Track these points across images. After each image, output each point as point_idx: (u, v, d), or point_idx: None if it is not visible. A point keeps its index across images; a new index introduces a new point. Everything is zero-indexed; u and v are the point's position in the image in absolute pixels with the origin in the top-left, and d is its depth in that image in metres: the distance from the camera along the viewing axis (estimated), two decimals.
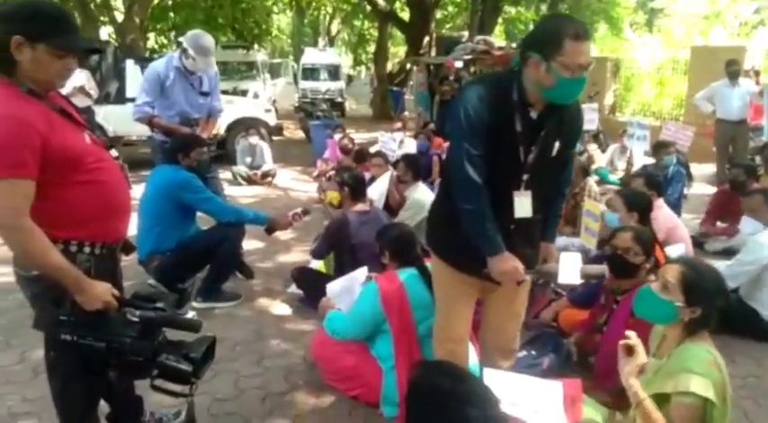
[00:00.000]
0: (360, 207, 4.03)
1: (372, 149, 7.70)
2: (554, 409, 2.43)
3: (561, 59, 2.01)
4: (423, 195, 4.96)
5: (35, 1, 1.80)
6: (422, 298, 2.81)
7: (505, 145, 2.19)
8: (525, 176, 2.27)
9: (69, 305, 1.89)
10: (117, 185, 2.05)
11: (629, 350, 2.01)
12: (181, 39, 4.37)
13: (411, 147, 8.28)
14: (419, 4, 14.42)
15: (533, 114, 2.20)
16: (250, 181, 8.69)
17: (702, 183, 8.50)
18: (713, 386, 1.92)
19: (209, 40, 4.28)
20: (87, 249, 1.99)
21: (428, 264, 2.84)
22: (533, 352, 2.97)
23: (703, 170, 8.82)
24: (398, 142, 7.90)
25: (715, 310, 2.05)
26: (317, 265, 5.03)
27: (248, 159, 9.01)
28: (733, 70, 7.53)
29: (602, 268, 2.28)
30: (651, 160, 6.77)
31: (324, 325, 3.09)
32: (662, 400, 2.00)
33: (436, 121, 10.76)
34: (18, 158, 1.70)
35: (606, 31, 16.54)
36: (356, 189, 4.07)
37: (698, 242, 5.24)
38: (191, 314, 3.68)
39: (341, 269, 3.90)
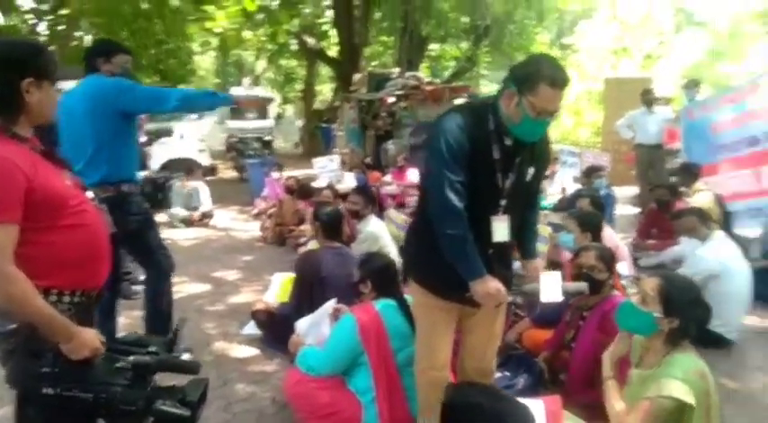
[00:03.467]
0: (333, 243, 4.00)
1: (315, 184, 7.71)
2: None
3: (532, 100, 2.13)
4: (376, 227, 5.00)
5: (21, 40, 1.75)
6: (399, 327, 2.83)
7: (484, 172, 2.28)
8: (503, 202, 2.36)
9: (51, 357, 1.79)
10: (99, 228, 1.97)
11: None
12: None
13: (350, 181, 8.36)
14: (349, 43, 14.71)
15: (508, 142, 2.29)
16: (188, 223, 8.45)
17: (625, 204, 9.01)
18: (694, 392, 2.04)
19: None
20: (67, 298, 1.89)
21: (407, 295, 2.88)
22: (507, 373, 3.04)
23: (623, 193, 9.37)
24: (337, 168, 7.97)
25: (693, 320, 2.18)
26: (273, 297, 4.97)
27: (184, 202, 8.79)
28: (648, 99, 8.13)
29: (582, 285, 2.39)
30: (579, 185, 7.16)
31: (297, 362, 3.03)
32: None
33: (371, 156, 10.92)
34: (6, 202, 1.63)
35: None
36: (331, 226, 4.04)
37: (632, 259, 5.55)
38: (185, 356, 3.51)
39: (303, 303, 3.85)
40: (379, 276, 2.97)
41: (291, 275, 5.56)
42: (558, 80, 2.14)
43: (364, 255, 3.30)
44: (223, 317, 4.73)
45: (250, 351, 4.04)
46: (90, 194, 2.03)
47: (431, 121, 11.35)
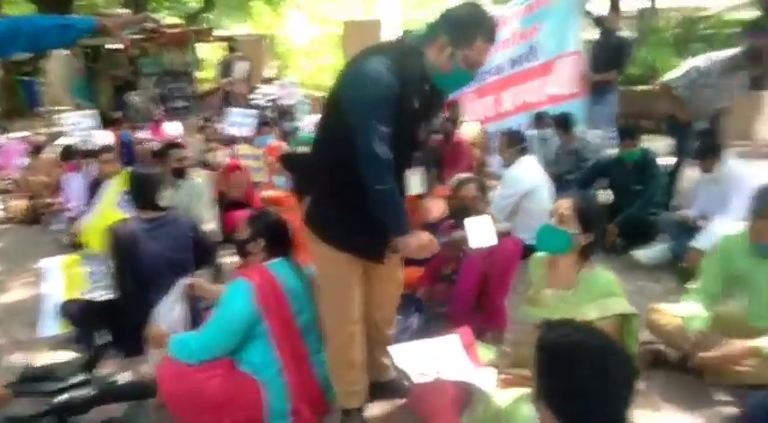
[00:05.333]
0: (150, 213, 3.27)
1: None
2: (461, 360, 2.52)
3: (468, 53, 2.05)
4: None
5: None
6: (296, 288, 2.52)
7: (406, 121, 2.12)
8: (418, 154, 2.29)
9: None
10: None
11: None
12: None
13: (105, 138, 7.18)
14: None
15: (427, 90, 2.16)
16: None
17: None
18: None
19: None
20: None
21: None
22: (399, 317, 2.96)
23: None
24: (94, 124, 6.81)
25: (602, 233, 2.35)
26: (59, 290, 4.08)
27: None
28: None
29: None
30: None
31: (172, 353, 2.51)
32: None
33: (123, 110, 9.57)
34: None
35: (263, 7, 16.82)
36: (141, 192, 3.30)
37: None
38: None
39: (127, 286, 3.22)
40: (273, 233, 2.60)
41: (69, 257, 4.66)
42: (493, 35, 2.10)
43: (253, 213, 2.84)
44: (0, 322, 3.72)
45: (65, 355, 3.23)
46: None
47: (176, 67, 10.40)
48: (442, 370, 2.39)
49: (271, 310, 2.44)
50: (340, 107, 2.11)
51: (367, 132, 1.99)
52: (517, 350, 2.56)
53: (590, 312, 2.22)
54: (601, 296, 2.22)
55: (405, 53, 2.11)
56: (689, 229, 4.05)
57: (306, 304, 2.54)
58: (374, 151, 1.98)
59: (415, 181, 2.28)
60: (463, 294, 2.97)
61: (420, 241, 2.12)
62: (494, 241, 2.23)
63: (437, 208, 2.46)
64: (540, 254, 2.52)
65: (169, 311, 2.80)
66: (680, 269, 3.89)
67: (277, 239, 2.60)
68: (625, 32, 6.45)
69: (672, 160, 5.13)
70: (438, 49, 2.06)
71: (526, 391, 2.17)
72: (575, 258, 2.32)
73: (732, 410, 2.44)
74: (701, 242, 3.66)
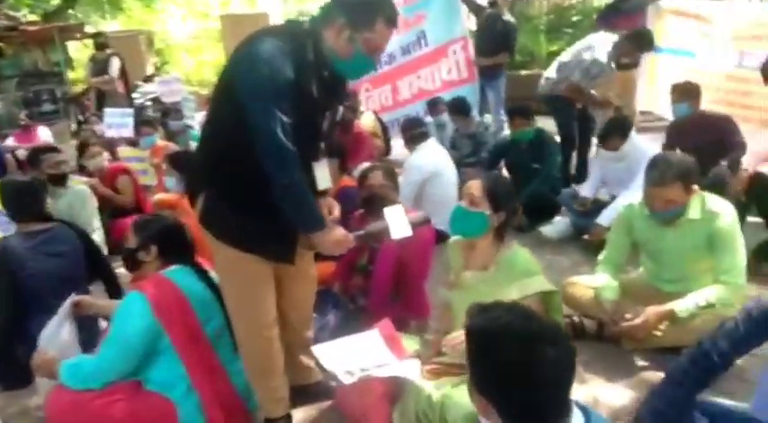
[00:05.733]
0: (33, 226, 2.92)
1: None
2: (384, 354, 2.42)
3: (369, 36, 1.93)
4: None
5: None
6: (201, 295, 2.31)
7: (305, 110, 1.97)
8: (322, 145, 2.15)
9: None
10: None
11: None
12: None
13: None
14: None
15: (326, 75, 2.02)
16: None
17: None
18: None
19: None
20: None
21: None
22: (316, 315, 2.81)
23: None
24: None
25: (513, 211, 2.31)
26: None
27: None
28: None
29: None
30: None
31: (64, 381, 2.22)
32: None
33: None
34: None
35: (135, 3, 15.70)
36: (21, 203, 2.94)
37: None
38: None
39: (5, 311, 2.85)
40: (165, 239, 2.36)
41: None
42: (394, 17, 1.99)
43: (140, 218, 2.56)
44: None
45: None
46: None
47: (41, 67, 9.50)
48: (367, 367, 2.30)
49: (173, 321, 2.21)
50: (230, 97, 1.94)
51: (267, 121, 1.83)
52: (441, 338, 2.50)
53: (511, 292, 2.17)
54: (521, 275, 2.18)
55: (298, 35, 1.96)
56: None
57: (215, 311, 2.33)
58: (277, 141, 1.83)
59: (323, 174, 2.15)
60: (380, 285, 2.89)
61: (334, 236, 2.02)
62: (409, 232, 2.13)
63: (335, 207, 2.34)
64: (456, 237, 2.45)
65: (55, 334, 2.49)
66: (584, 242, 4.03)
67: (171, 245, 2.37)
68: (509, 17, 6.61)
69: (557, 138, 5.32)
70: (336, 32, 1.94)
71: (455, 379, 2.14)
72: (491, 239, 2.26)
73: (653, 375, 2.50)
74: (604, 218, 3.79)
